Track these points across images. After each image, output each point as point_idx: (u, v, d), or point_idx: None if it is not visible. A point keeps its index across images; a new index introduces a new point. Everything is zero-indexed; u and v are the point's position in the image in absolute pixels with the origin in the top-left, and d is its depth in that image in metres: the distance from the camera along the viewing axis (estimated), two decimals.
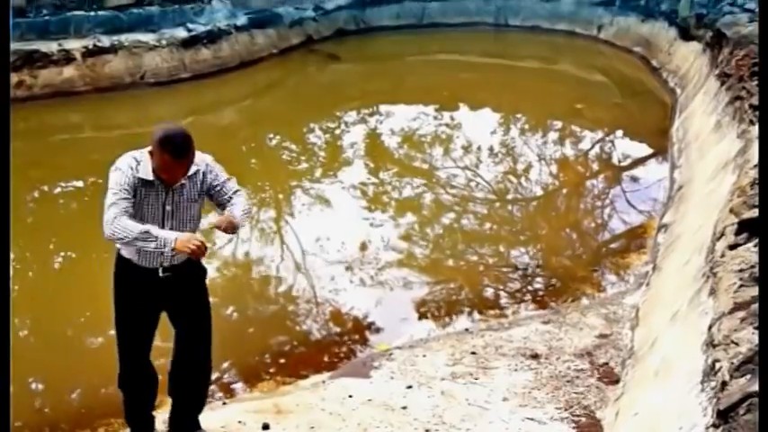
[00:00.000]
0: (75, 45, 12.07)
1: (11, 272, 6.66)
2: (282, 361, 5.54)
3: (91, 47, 12.16)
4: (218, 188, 3.65)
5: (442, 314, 6.24)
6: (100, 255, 5.77)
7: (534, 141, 11.05)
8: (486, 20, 17.73)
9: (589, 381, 4.77)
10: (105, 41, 12.34)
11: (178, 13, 13.66)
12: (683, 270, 5.14)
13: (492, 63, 15.76)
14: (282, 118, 11.81)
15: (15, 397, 4.92)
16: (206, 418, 4.16)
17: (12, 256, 6.92)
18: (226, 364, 5.36)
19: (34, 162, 9.44)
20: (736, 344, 3.05)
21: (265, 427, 4.16)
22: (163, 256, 3.55)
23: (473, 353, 5.15)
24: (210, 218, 3.70)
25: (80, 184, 9.04)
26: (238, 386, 5.24)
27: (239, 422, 4.26)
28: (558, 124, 11.72)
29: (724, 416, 2.63)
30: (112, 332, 3.85)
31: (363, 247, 7.38)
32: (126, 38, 12.58)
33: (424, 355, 5.17)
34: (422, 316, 6.23)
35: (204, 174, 3.60)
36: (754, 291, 3.32)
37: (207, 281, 3.87)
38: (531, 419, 4.31)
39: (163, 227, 3.49)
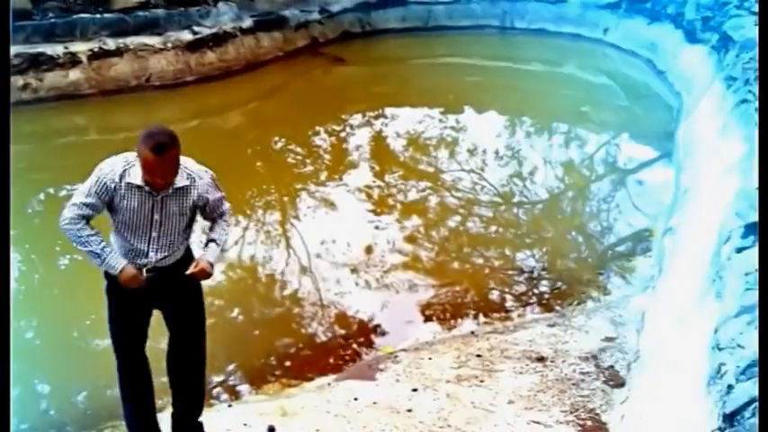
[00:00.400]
0: (80, 48, 12.05)
1: (16, 274, 6.69)
2: (288, 363, 5.54)
3: (96, 50, 12.15)
4: (210, 205, 3.68)
5: (448, 317, 6.24)
6: None
7: (540, 144, 11.03)
8: (492, 23, 17.66)
9: (595, 384, 4.76)
10: (111, 44, 12.34)
11: (184, 15, 13.64)
12: (688, 273, 5.13)
13: (497, 66, 15.72)
14: (288, 121, 11.80)
15: (21, 399, 4.97)
16: (211, 420, 4.16)
17: (18, 258, 6.95)
18: (231, 367, 5.37)
19: (40, 165, 9.46)
20: (742, 347, 3.05)
21: (271, 429, 4.16)
22: (146, 258, 3.58)
23: (478, 356, 5.15)
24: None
25: None
26: (244, 388, 5.24)
27: (244, 424, 4.27)
28: (564, 127, 11.69)
29: (730, 419, 2.63)
30: None
31: (369, 249, 7.38)
32: (132, 41, 12.56)
33: (430, 358, 5.17)
34: (427, 319, 6.23)
35: (198, 187, 3.58)
36: None
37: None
38: (537, 422, 4.31)
39: (150, 235, 3.51)
